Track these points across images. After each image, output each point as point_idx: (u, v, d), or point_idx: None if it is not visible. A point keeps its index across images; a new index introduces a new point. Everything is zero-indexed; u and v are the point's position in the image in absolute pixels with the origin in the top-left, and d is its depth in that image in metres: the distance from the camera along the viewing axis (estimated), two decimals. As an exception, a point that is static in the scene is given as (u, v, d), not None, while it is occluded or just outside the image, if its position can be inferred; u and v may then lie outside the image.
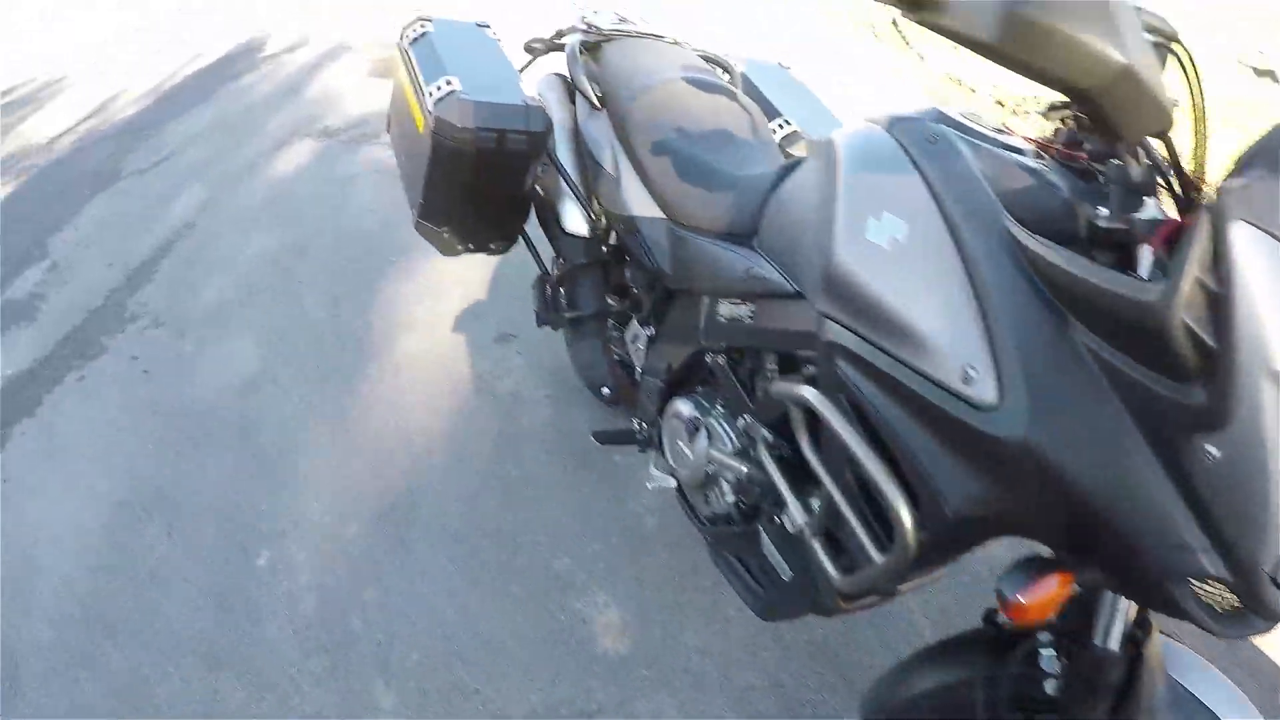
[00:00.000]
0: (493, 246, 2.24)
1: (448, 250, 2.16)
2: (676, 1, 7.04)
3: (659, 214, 1.78)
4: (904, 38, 6.60)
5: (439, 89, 1.81)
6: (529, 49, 2.24)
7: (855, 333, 1.14)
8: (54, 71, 6.70)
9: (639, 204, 1.83)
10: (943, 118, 1.19)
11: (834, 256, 1.17)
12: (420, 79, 1.89)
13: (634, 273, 2.03)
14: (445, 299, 3.19)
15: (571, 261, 2.12)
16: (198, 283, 3.55)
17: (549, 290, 2.23)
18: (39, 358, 3.30)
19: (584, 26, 2.16)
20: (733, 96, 1.91)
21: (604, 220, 2.04)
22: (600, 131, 1.98)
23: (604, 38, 2.12)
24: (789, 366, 1.47)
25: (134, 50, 7.37)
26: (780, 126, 2.03)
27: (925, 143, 1.13)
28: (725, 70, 2.17)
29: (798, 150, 1.99)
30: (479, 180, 1.92)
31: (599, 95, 2.00)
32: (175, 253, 3.83)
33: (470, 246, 2.19)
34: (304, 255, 3.63)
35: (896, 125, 1.21)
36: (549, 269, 2.26)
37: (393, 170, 4.28)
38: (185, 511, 2.45)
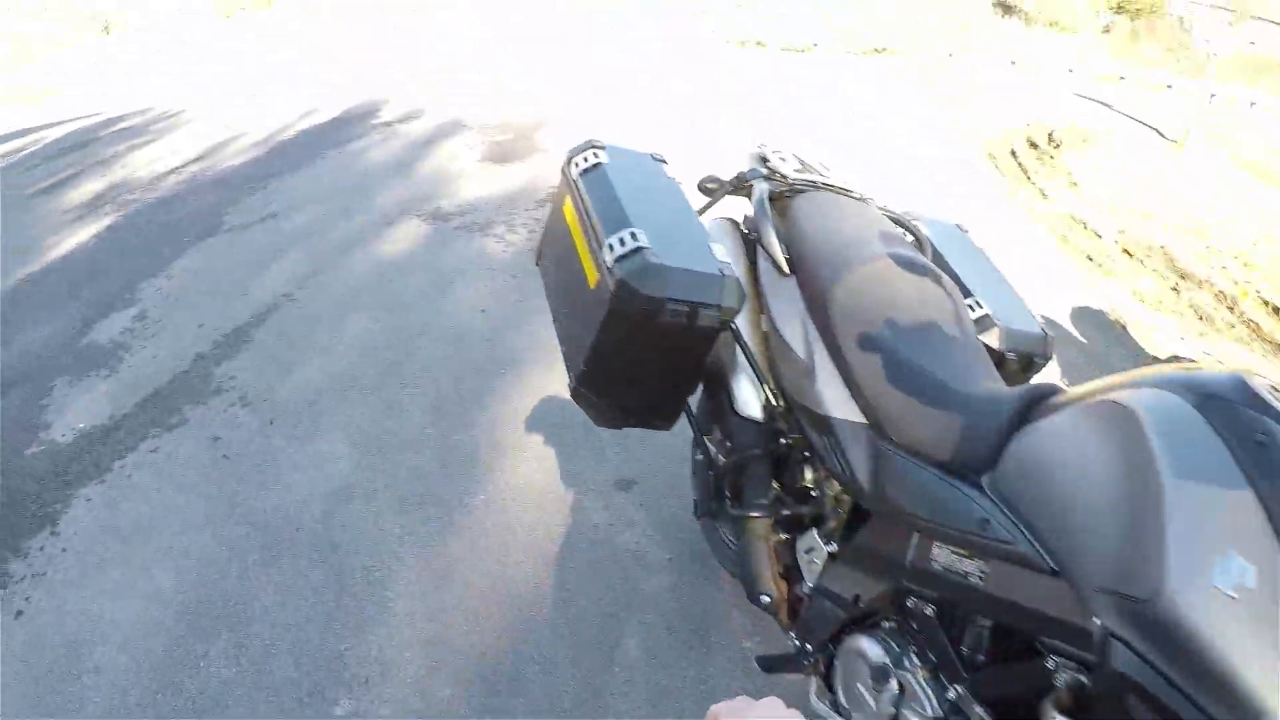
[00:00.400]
0: (656, 423, 1.97)
1: (605, 422, 1.89)
2: (802, 135, 6.99)
3: (859, 419, 1.54)
4: (1025, 172, 6.45)
5: (621, 243, 1.53)
6: (704, 190, 2.01)
7: (1164, 676, 0.97)
8: (171, 105, 6.77)
9: (835, 403, 1.58)
10: (1251, 397, 1.02)
11: (1167, 594, 0.97)
12: (596, 224, 1.62)
13: (818, 476, 1.75)
14: (559, 425, 2.93)
15: (742, 450, 1.82)
16: (291, 363, 3.35)
17: (714, 480, 1.94)
18: (115, 416, 3.10)
19: (765, 172, 1.93)
20: (937, 280, 1.66)
21: (784, 407, 1.77)
22: (789, 303, 1.72)
23: (789, 188, 1.90)
24: (1016, 635, 1.25)
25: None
26: (972, 308, 1.78)
27: (1252, 444, 0.98)
28: (913, 235, 1.93)
29: (990, 337, 1.76)
30: (657, 355, 1.66)
31: (788, 259, 1.77)
32: (270, 324, 3.65)
33: (631, 421, 1.92)
34: (407, 352, 3.40)
35: (1209, 406, 1.04)
36: (713, 453, 1.98)
37: (506, 268, 4.18)
38: (257, 634, 2.18)
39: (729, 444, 1.84)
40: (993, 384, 1.48)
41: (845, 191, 1.96)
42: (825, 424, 1.59)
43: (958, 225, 2.17)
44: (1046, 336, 1.83)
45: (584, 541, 2.44)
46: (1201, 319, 4.54)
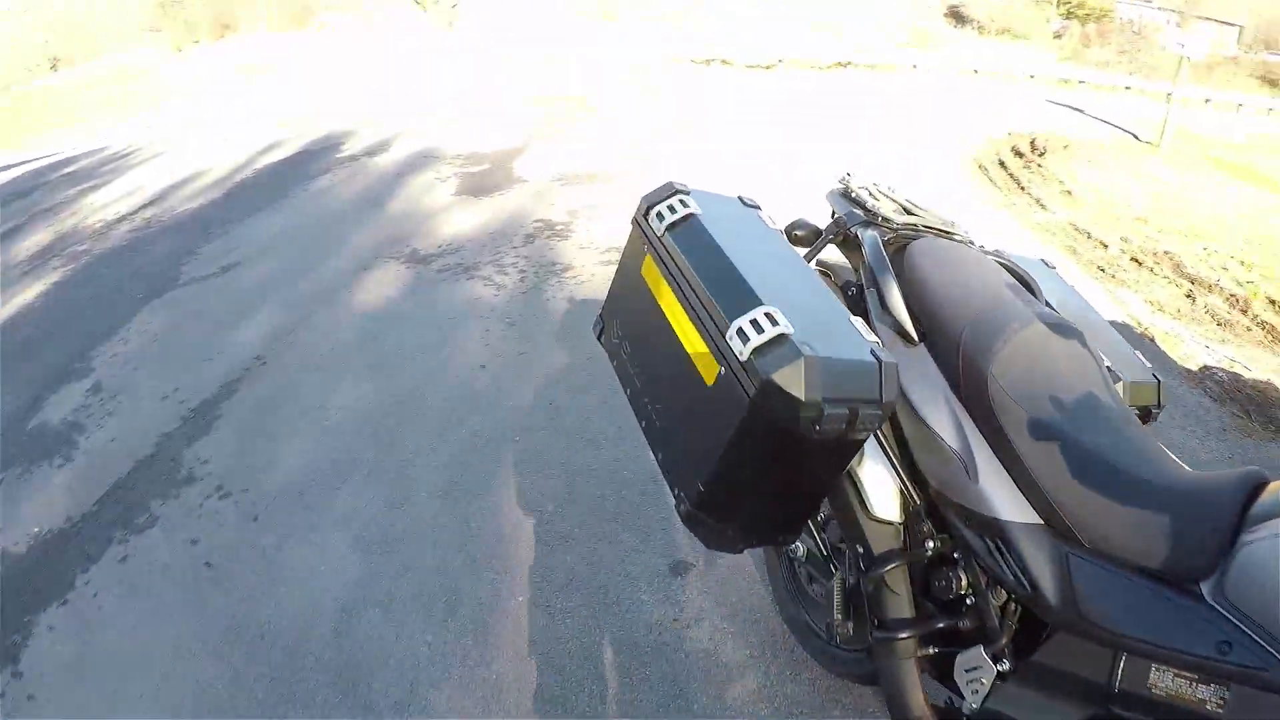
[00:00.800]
0: (780, 538, 1.65)
1: (721, 546, 1.53)
2: (807, 141, 6.76)
3: (1034, 519, 1.29)
4: (1018, 182, 6.29)
5: (757, 329, 1.17)
6: (795, 239, 1.69)
7: None
8: (122, 146, 6.35)
9: (1004, 502, 1.31)
10: None
11: None
12: (707, 300, 1.27)
13: (974, 582, 1.44)
14: (593, 498, 2.57)
15: (886, 560, 1.49)
16: (271, 442, 2.96)
17: (849, 595, 1.59)
18: (74, 516, 2.70)
19: (863, 215, 1.63)
20: (1082, 341, 1.42)
21: (926, 505, 1.47)
22: (925, 379, 1.43)
23: (895, 232, 1.61)
24: None
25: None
26: None
27: None
28: (1020, 279, 1.63)
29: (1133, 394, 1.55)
30: (800, 465, 1.33)
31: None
32: (242, 394, 3.25)
33: (753, 541, 1.60)
34: (405, 421, 3.02)
35: None
36: (839, 564, 1.63)
37: (500, 315, 3.79)
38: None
39: (861, 551, 1.50)
40: (1179, 468, 1.27)
41: (948, 233, 1.68)
42: (991, 527, 1.33)
43: (1043, 260, 1.92)
44: (1160, 384, 1.62)
45: (649, 643, 2.08)
46: (1220, 325, 4.40)
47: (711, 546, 1.52)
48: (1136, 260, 5.12)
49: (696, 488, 1.29)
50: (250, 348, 3.59)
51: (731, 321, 1.20)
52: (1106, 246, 5.29)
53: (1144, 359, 1.66)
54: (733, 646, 2.08)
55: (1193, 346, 4.07)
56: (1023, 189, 6.17)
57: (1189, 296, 4.71)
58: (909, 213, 1.67)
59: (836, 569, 1.61)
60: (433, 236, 4.68)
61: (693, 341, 1.29)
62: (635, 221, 1.49)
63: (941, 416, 1.38)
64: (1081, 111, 9.05)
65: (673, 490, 1.36)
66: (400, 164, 5.87)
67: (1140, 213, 5.97)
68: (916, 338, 1.45)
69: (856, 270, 1.65)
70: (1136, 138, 8.36)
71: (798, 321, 1.19)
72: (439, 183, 5.54)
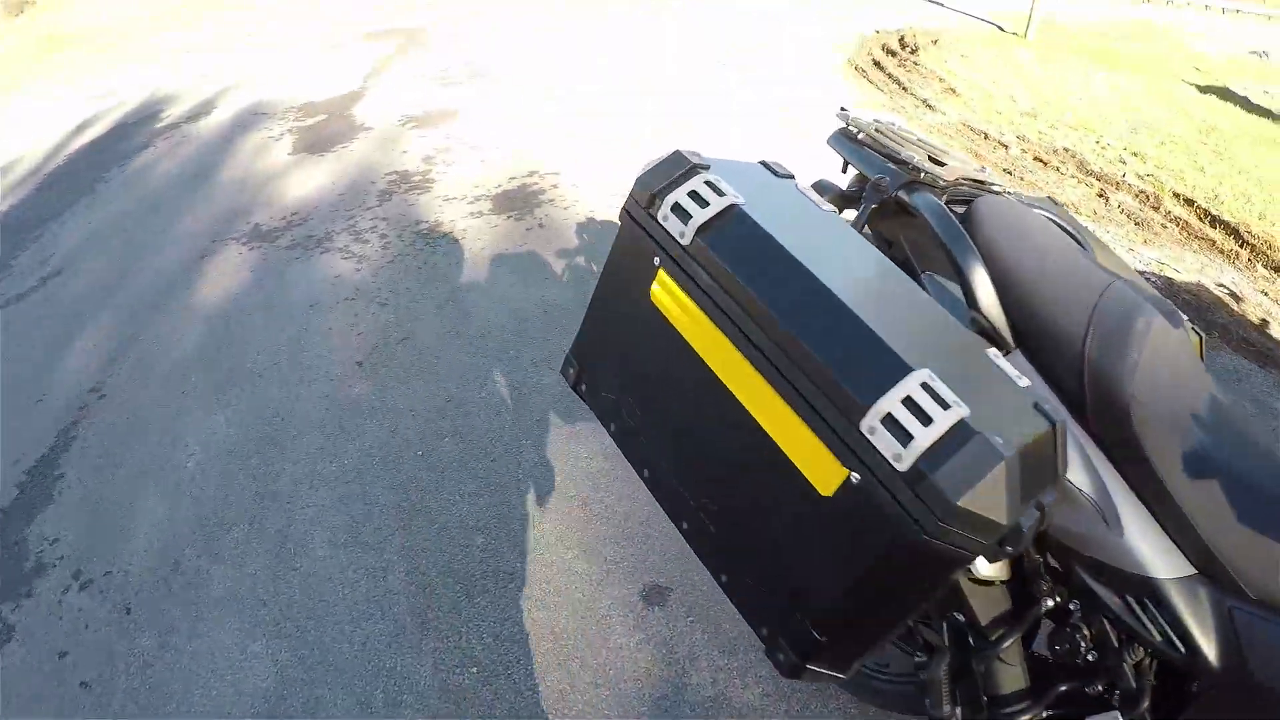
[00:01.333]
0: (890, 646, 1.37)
1: (833, 680, 1.14)
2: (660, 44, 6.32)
3: (1186, 570, 1.05)
4: (898, 83, 6.08)
5: (914, 414, 0.75)
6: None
7: None
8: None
9: (1152, 555, 1.04)
10: None
11: None
12: (816, 369, 0.82)
13: (1102, 636, 1.16)
14: (527, 523, 2.17)
15: (993, 631, 1.16)
16: (126, 502, 2.41)
17: (950, 676, 1.21)
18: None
19: (901, 172, 1.20)
20: (1188, 333, 1.11)
21: (1041, 559, 1.17)
22: None
23: (944, 193, 1.21)
24: None
25: None
26: None
27: None
28: (1073, 236, 1.30)
29: None
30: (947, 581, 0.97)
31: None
32: (83, 443, 2.66)
33: (858, 669, 1.24)
34: (278, 450, 2.50)
35: None
36: (933, 636, 1.28)
37: (368, 293, 3.21)
38: None
39: (964, 620, 1.17)
40: None
41: (986, 184, 1.30)
42: (1139, 585, 1.08)
43: (1050, 198, 1.60)
44: (1202, 340, 1.32)
45: (644, 700, 1.72)
46: (1138, 225, 4.35)
47: (799, 679, 1.15)
48: (1040, 160, 5.00)
49: (809, 636, 0.88)
50: (84, 378, 2.97)
51: (870, 404, 0.77)
52: (1007, 147, 5.15)
53: (1175, 308, 1.37)
54: (742, 685, 1.76)
55: (1119, 251, 3.95)
56: (905, 89, 5.97)
57: (1101, 196, 4.63)
58: (936, 162, 1.28)
59: (934, 646, 1.25)
60: (275, 206, 4.06)
61: (788, 427, 0.84)
62: (628, 215, 1.00)
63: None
64: (940, 4, 8.90)
65: (758, 630, 0.94)
66: (226, 126, 5.14)
67: (1027, 108, 5.87)
68: (1011, 343, 1.10)
69: (889, 243, 1.28)
70: (1001, 29, 8.29)
71: (962, 390, 0.76)
72: (273, 142, 4.86)
